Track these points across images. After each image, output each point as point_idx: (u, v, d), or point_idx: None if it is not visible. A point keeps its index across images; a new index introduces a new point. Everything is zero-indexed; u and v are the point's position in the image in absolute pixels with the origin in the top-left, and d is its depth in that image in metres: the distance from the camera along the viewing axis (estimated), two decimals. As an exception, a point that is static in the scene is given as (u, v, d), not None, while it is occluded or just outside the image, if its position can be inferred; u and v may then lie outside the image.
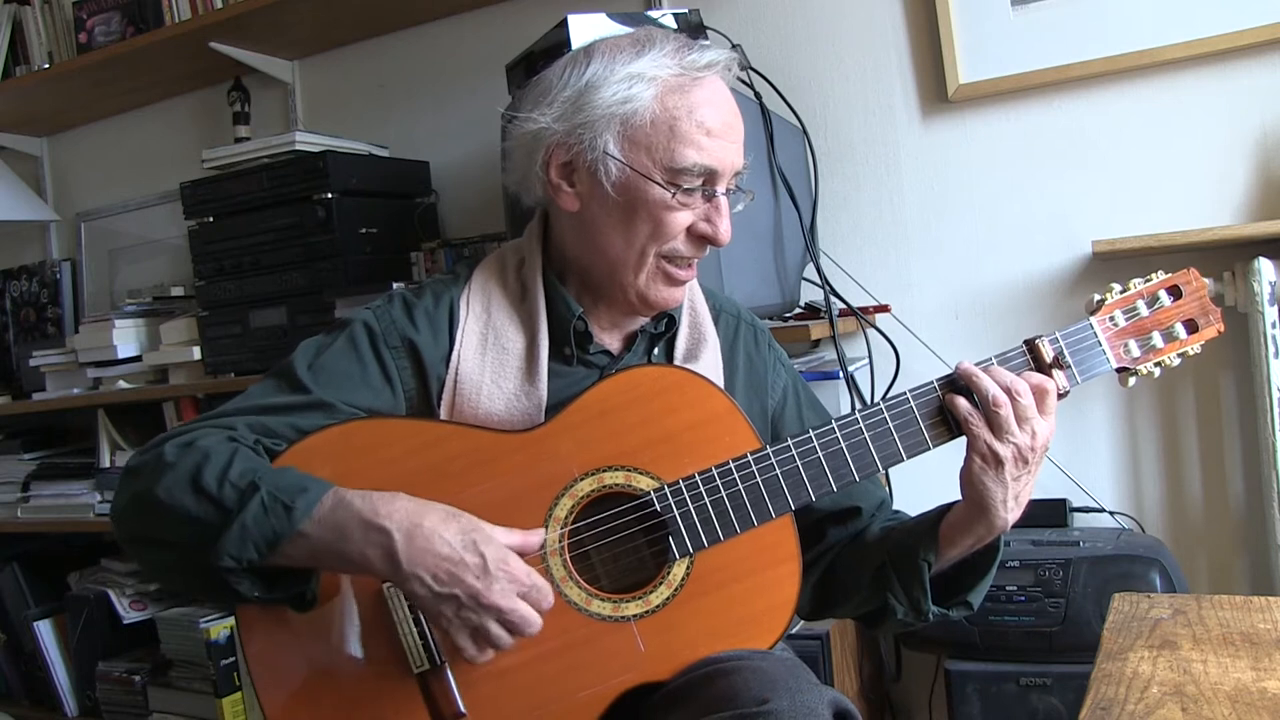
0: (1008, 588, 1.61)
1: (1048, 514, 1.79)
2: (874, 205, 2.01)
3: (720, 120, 1.10)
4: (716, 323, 1.26)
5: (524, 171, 1.16)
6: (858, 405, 1.82)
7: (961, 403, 1.05)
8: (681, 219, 1.11)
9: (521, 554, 0.99)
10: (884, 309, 1.95)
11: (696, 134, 1.08)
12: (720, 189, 1.11)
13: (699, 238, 1.13)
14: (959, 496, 1.09)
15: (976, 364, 1.07)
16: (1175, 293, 1.13)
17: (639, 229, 1.11)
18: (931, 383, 1.08)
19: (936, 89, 1.94)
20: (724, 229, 1.12)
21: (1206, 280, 1.15)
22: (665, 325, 1.22)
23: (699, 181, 1.10)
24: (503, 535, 0.99)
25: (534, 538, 1.02)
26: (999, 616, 1.61)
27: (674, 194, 1.09)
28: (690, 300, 1.25)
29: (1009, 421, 1.03)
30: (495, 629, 0.96)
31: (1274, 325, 1.65)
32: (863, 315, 1.88)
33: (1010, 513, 1.06)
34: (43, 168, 3.08)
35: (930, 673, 1.92)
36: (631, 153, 1.09)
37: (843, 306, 1.87)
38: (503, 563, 0.96)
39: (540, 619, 0.97)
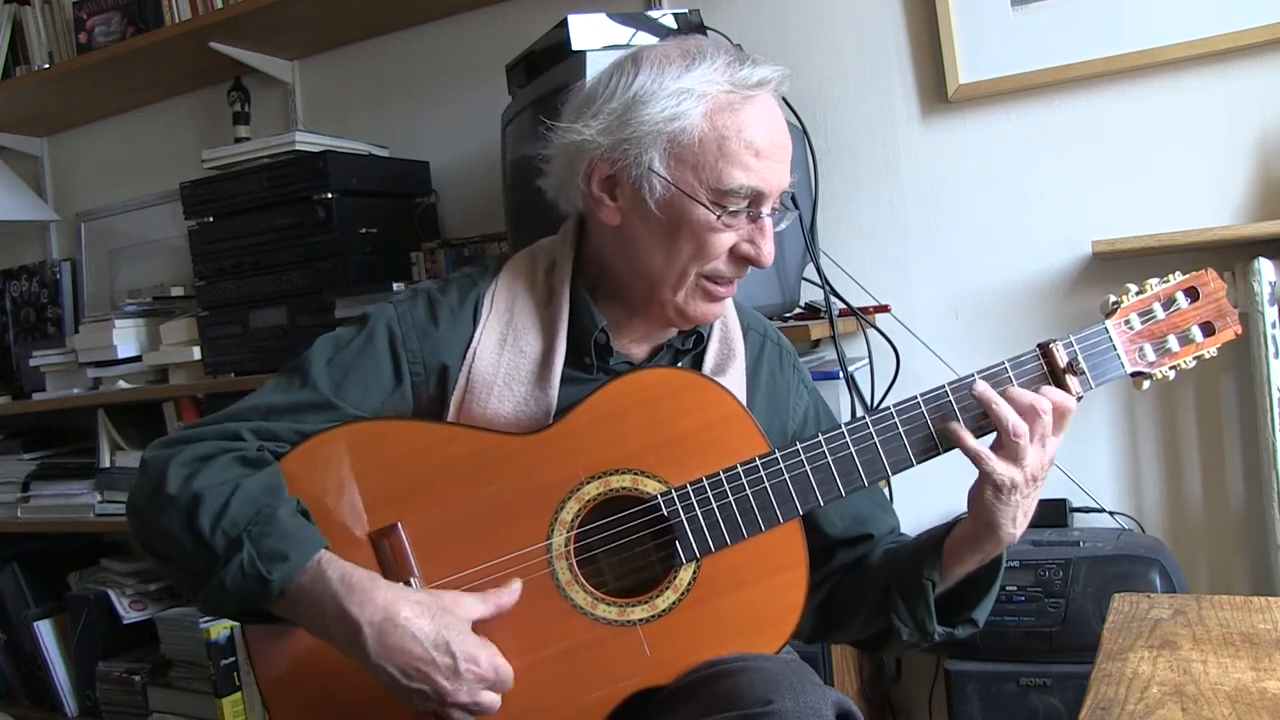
0: (1008, 588, 1.61)
1: (1048, 514, 1.78)
2: (874, 205, 2.01)
3: (769, 140, 1.07)
4: (743, 339, 1.23)
5: (564, 181, 1.14)
6: (858, 405, 1.83)
7: (969, 441, 1.04)
8: (725, 240, 1.08)
9: (498, 612, 1.00)
10: (884, 309, 1.95)
11: (745, 154, 1.05)
12: (765, 210, 1.09)
13: (741, 258, 1.10)
14: (960, 504, 1.08)
15: (989, 369, 1.06)
16: (1193, 294, 1.10)
17: (681, 248, 1.08)
18: (943, 387, 1.07)
19: (936, 89, 1.94)
20: (767, 251, 1.09)
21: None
22: (694, 342, 1.20)
23: (745, 203, 1.07)
24: (476, 608, 0.99)
25: (507, 597, 1.01)
26: (999, 616, 1.61)
27: (719, 215, 1.06)
28: (723, 316, 1.22)
29: (1026, 451, 1.02)
30: (458, 715, 0.98)
31: (1274, 325, 1.65)
32: (863, 315, 1.89)
33: (1019, 528, 1.05)
34: (43, 168, 3.07)
35: (930, 673, 1.93)
36: (677, 171, 1.06)
37: (843, 306, 1.87)
38: (472, 662, 0.96)
39: (499, 700, 0.98)
